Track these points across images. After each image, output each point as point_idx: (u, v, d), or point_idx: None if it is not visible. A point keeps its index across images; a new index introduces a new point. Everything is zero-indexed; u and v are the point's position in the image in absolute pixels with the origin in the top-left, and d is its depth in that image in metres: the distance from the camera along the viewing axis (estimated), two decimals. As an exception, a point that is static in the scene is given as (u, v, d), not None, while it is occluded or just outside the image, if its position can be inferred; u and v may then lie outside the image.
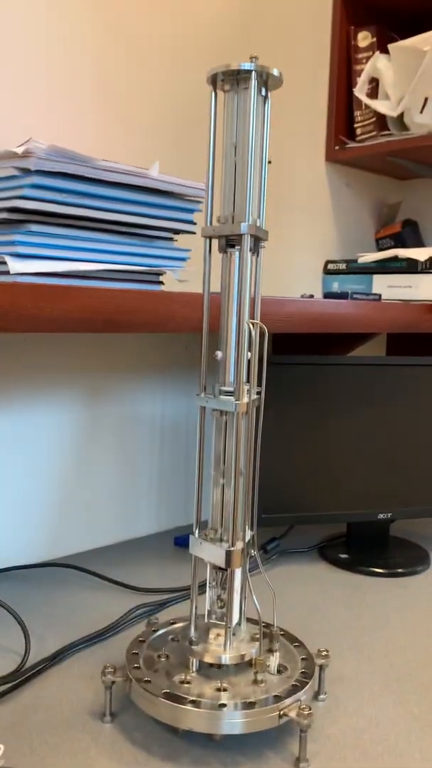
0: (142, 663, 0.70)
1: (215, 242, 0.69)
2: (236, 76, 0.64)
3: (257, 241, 0.69)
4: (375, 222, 1.63)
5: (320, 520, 1.11)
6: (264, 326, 0.71)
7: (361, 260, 1.34)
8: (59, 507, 1.12)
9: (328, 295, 1.30)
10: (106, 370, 1.16)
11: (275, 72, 0.64)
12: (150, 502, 1.25)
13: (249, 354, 0.69)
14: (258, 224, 0.67)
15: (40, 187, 0.72)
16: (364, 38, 1.42)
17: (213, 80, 0.65)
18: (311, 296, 1.17)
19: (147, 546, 1.18)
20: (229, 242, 0.67)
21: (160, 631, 0.76)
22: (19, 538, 1.08)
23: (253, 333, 0.68)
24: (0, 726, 0.67)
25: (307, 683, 0.67)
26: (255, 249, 0.69)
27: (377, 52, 1.37)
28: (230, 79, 0.65)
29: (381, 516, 1.14)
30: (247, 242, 0.64)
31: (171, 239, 0.88)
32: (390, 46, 1.30)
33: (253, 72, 0.63)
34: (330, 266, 1.43)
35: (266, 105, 0.67)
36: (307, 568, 1.11)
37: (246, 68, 0.63)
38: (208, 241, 0.68)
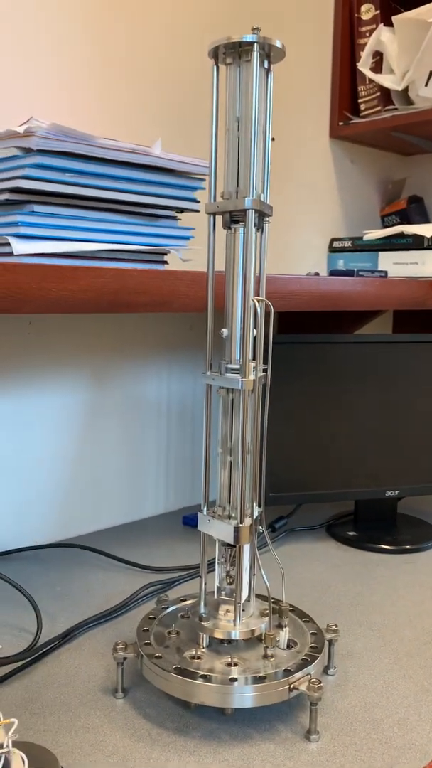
0: (153, 639, 0.70)
1: (219, 219, 0.68)
2: (238, 48, 0.63)
3: (262, 216, 0.68)
4: (380, 199, 1.61)
5: (328, 499, 1.11)
6: (270, 303, 0.70)
7: (366, 237, 1.33)
8: (67, 488, 1.13)
9: (333, 273, 1.29)
10: (110, 351, 1.16)
11: (278, 43, 0.63)
12: (157, 482, 1.26)
13: (254, 331, 0.68)
14: (262, 199, 0.67)
15: (42, 167, 0.72)
16: (367, 10, 1.40)
17: (215, 53, 0.64)
18: (317, 274, 1.17)
19: (155, 526, 1.19)
20: (234, 218, 0.67)
21: (170, 609, 0.77)
22: (28, 519, 1.09)
23: (258, 310, 0.68)
24: (13, 703, 0.68)
25: (317, 657, 0.67)
26: (260, 225, 0.68)
27: (381, 25, 1.35)
28: (232, 52, 0.64)
29: (388, 494, 1.14)
30: (252, 217, 0.64)
31: (174, 218, 0.87)
32: (394, 18, 1.28)
33: (256, 44, 0.62)
34: (335, 244, 1.42)
35: (269, 78, 0.66)
36: (316, 545, 1.11)
37: (248, 40, 0.62)
38: (212, 217, 0.68)
